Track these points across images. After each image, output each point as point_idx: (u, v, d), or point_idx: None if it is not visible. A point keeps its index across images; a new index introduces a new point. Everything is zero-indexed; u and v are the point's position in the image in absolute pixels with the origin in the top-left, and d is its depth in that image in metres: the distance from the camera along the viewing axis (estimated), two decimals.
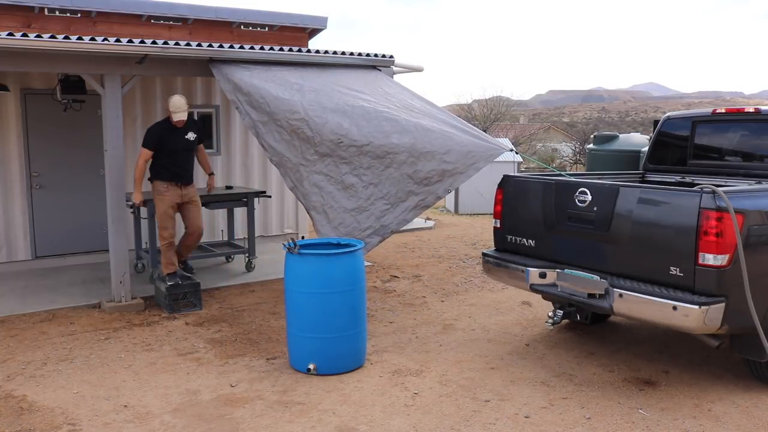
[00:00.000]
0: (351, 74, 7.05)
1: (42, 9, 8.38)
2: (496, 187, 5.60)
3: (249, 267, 8.15)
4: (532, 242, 5.28)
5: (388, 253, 9.52)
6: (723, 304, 4.11)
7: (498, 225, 5.59)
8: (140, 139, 8.56)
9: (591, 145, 13.22)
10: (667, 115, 6.57)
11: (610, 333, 5.96)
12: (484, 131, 7.79)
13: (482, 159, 6.06)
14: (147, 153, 6.37)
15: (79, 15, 8.64)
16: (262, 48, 6.68)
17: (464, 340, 5.76)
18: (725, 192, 4.18)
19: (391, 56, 7.71)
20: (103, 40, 5.97)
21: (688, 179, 6.02)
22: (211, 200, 7.58)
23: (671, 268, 4.28)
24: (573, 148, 29.38)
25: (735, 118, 5.91)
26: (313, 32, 10.42)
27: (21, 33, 5.69)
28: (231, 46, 6.52)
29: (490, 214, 12.79)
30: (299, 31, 10.17)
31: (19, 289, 7.24)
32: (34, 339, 5.69)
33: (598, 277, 4.67)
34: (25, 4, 8.24)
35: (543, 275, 5.06)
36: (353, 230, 5.81)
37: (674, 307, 4.16)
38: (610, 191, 4.68)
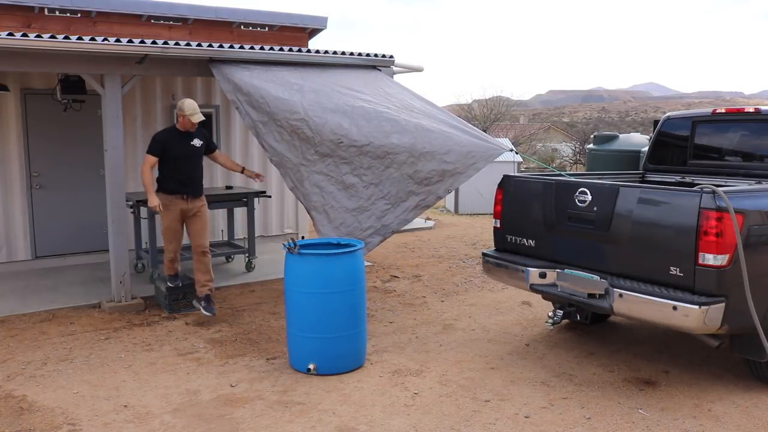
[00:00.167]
0: (351, 74, 7.05)
1: (42, 9, 8.39)
2: (496, 187, 5.61)
3: (249, 267, 8.15)
4: (532, 242, 5.28)
5: (388, 253, 9.52)
6: (723, 304, 4.11)
7: (498, 225, 5.59)
8: (140, 139, 8.62)
9: (591, 145, 13.23)
10: (667, 115, 6.57)
11: (610, 333, 5.96)
12: (484, 131, 7.79)
13: (482, 159, 6.07)
14: (151, 159, 6.06)
15: (79, 15, 8.64)
16: (262, 48, 6.68)
17: (464, 340, 5.76)
18: (725, 192, 4.18)
19: (391, 56, 7.71)
20: (103, 40, 5.97)
21: (688, 179, 6.02)
22: (211, 200, 7.58)
23: (671, 268, 4.28)
24: (573, 148, 29.38)
25: (735, 118, 5.91)
26: (313, 32, 10.42)
27: (21, 33, 5.69)
28: (231, 46, 6.52)
29: (490, 214, 12.79)
30: (299, 31, 10.17)
31: (19, 289, 7.24)
32: (34, 339, 5.69)
33: (598, 277, 4.67)
34: (25, 4, 8.24)
35: (543, 275, 5.06)
36: (354, 230, 5.81)
37: (674, 307, 4.16)
38: (610, 191, 4.68)
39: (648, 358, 5.27)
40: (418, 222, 12.21)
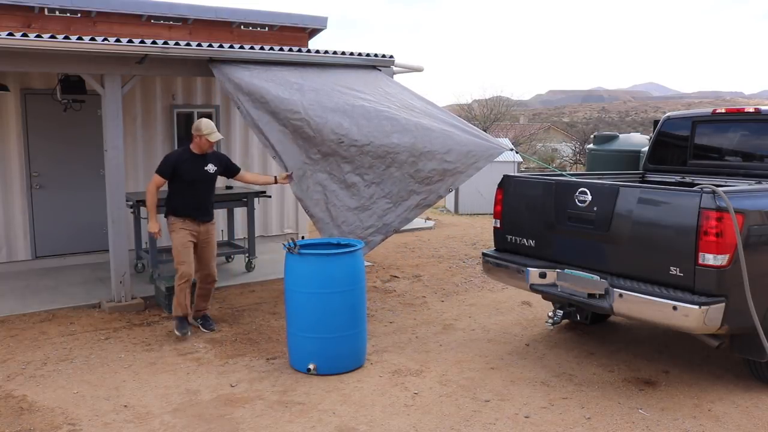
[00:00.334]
0: (351, 74, 7.05)
1: (42, 9, 8.39)
2: (496, 187, 5.61)
3: (249, 267, 8.15)
4: (532, 242, 5.28)
5: (388, 253, 9.52)
6: (723, 304, 4.11)
7: (498, 225, 5.59)
8: (140, 139, 8.63)
9: (591, 145, 13.23)
10: (667, 115, 6.57)
11: (610, 333, 5.96)
12: (484, 131, 7.79)
13: (482, 158, 6.09)
14: (159, 180, 5.62)
15: (79, 15, 8.65)
16: (262, 48, 6.68)
17: (464, 340, 5.76)
18: (725, 192, 4.18)
19: (391, 56, 7.71)
20: (103, 40, 5.97)
21: (688, 179, 6.02)
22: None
23: (671, 268, 4.28)
24: (573, 148, 29.38)
25: (735, 118, 5.91)
26: (313, 32, 10.43)
27: (21, 33, 5.69)
28: (231, 46, 6.52)
29: (490, 214, 12.78)
30: (299, 31, 10.18)
31: (19, 289, 7.23)
32: (34, 339, 5.69)
33: (598, 277, 4.67)
34: (25, 4, 8.25)
35: (543, 275, 5.06)
36: (356, 228, 5.81)
37: (674, 307, 4.16)
38: (610, 191, 4.68)
39: (648, 358, 5.27)
40: (418, 222, 12.21)
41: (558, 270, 4.99)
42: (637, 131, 25.50)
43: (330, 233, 5.77)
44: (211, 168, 5.77)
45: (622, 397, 4.55)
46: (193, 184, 5.68)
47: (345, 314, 4.90)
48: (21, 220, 8.09)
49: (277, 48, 6.85)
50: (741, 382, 4.77)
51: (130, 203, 7.41)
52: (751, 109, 5.77)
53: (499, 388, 4.70)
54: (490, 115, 31.49)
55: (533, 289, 5.13)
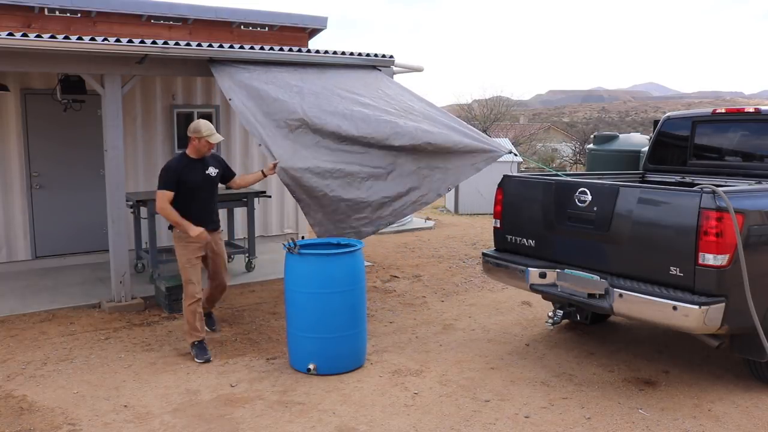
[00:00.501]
0: (351, 75, 7.05)
1: (42, 9, 8.39)
2: (496, 187, 5.61)
3: (249, 267, 8.15)
4: (532, 242, 5.28)
5: (388, 253, 9.53)
6: (723, 304, 4.11)
7: (498, 225, 5.59)
8: (140, 139, 8.63)
9: (591, 145, 13.22)
10: (667, 115, 6.57)
11: (610, 333, 5.96)
12: (484, 131, 7.81)
13: (482, 160, 6.14)
14: (168, 195, 5.17)
15: (79, 15, 8.65)
16: (262, 48, 6.68)
17: (464, 340, 5.76)
18: (725, 192, 4.18)
19: (391, 56, 7.71)
20: (103, 40, 5.97)
21: (688, 179, 6.02)
22: None
23: (671, 268, 4.28)
24: (573, 148, 29.37)
25: (735, 118, 5.91)
26: (313, 32, 10.43)
27: (21, 33, 5.69)
28: (231, 46, 6.52)
29: (490, 214, 12.78)
30: (299, 31, 10.18)
31: (19, 289, 7.23)
32: (34, 339, 5.69)
33: (598, 277, 4.67)
34: (25, 4, 8.25)
35: (543, 275, 5.06)
36: (346, 217, 5.69)
37: (674, 307, 4.16)
38: (610, 191, 4.68)
39: (648, 358, 5.27)
40: (418, 222, 12.21)
41: (558, 270, 4.99)
42: (637, 131, 25.50)
43: (318, 222, 5.61)
44: (212, 171, 5.46)
45: (622, 397, 4.55)
46: (198, 191, 5.35)
47: (345, 314, 4.90)
48: (21, 220, 8.09)
49: (277, 48, 6.85)
50: (741, 382, 4.77)
51: (130, 203, 7.41)
52: (751, 109, 5.77)
53: (499, 388, 4.70)
54: (490, 115, 31.47)
55: (533, 289, 5.12)
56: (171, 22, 9.26)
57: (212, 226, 5.48)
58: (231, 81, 6.24)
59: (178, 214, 5.18)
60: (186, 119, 8.85)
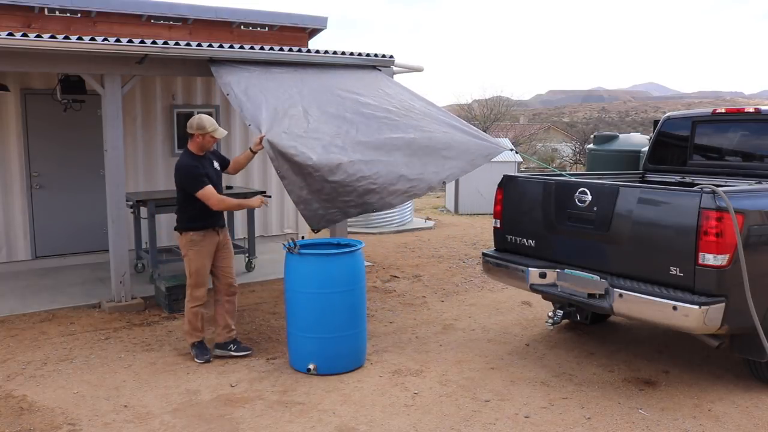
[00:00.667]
0: (351, 75, 7.04)
1: (42, 9, 8.39)
2: (496, 187, 5.61)
3: (249, 267, 8.15)
4: (532, 242, 5.28)
5: (388, 253, 9.53)
6: (723, 304, 4.11)
7: (498, 225, 5.59)
8: (140, 139, 8.63)
9: (591, 145, 13.22)
10: (667, 115, 6.57)
11: (610, 333, 5.96)
12: (484, 131, 7.78)
13: (481, 157, 6.03)
14: (211, 190, 5.11)
15: (79, 15, 8.65)
16: (262, 48, 6.68)
17: (464, 340, 5.76)
18: (725, 192, 4.18)
19: (391, 56, 7.71)
20: (103, 40, 5.97)
21: (688, 179, 6.02)
22: None
23: (671, 268, 4.28)
24: (573, 148, 29.38)
25: (735, 118, 5.91)
26: (313, 32, 10.43)
27: (21, 33, 5.70)
28: (231, 46, 6.52)
29: (490, 214, 12.78)
30: (299, 31, 10.18)
31: (19, 289, 7.24)
32: (34, 339, 5.69)
33: (598, 277, 4.67)
34: (25, 4, 8.25)
35: (543, 275, 5.06)
36: (332, 198, 5.40)
37: (674, 307, 4.16)
38: (610, 191, 4.68)
39: (648, 358, 5.27)
40: (418, 222, 12.22)
41: (558, 270, 4.99)
42: (637, 131, 25.49)
43: (300, 197, 5.32)
44: (216, 165, 5.44)
45: (622, 397, 4.55)
46: (213, 186, 5.22)
47: (345, 314, 4.90)
48: (21, 220, 8.10)
49: (277, 48, 6.85)
50: (741, 382, 4.77)
51: (130, 203, 7.41)
52: (751, 109, 5.77)
53: (499, 388, 4.70)
54: (490, 115, 31.49)
55: (533, 289, 5.12)
56: (171, 22, 9.26)
57: (221, 222, 5.39)
58: (231, 81, 6.23)
59: (231, 198, 5.38)
60: (186, 119, 8.78)
